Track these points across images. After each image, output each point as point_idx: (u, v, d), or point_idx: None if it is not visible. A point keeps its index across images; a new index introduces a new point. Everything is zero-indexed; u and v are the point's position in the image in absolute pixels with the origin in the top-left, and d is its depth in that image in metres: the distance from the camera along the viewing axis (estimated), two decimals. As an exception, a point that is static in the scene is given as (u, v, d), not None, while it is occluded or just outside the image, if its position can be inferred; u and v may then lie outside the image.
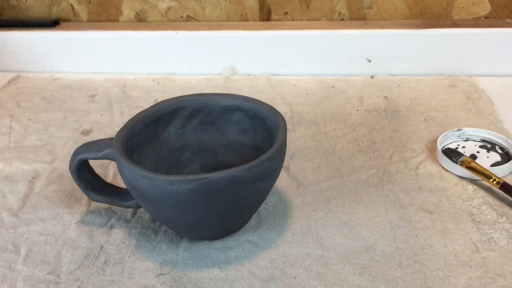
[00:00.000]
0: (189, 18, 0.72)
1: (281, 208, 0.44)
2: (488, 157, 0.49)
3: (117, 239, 0.42)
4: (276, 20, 0.70)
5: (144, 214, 0.44)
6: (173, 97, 0.45)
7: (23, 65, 0.73)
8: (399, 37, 0.65)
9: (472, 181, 0.46)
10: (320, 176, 0.48)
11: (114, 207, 0.45)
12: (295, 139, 0.54)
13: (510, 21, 0.66)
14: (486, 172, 0.45)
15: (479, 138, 0.52)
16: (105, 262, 0.40)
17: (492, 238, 0.40)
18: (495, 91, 0.61)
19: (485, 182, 0.45)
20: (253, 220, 0.43)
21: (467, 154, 0.50)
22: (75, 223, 0.44)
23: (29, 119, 0.60)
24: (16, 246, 0.41)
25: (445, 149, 0.51)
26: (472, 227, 0.41)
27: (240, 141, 0.45)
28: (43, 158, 0.53)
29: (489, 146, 0.51)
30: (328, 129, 0.56)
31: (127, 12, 0.72)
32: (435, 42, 0.64)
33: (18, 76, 0.72)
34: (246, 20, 0.71)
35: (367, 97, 0.62)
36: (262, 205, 0.44)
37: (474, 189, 0.45)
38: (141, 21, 0.73)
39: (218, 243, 0.41)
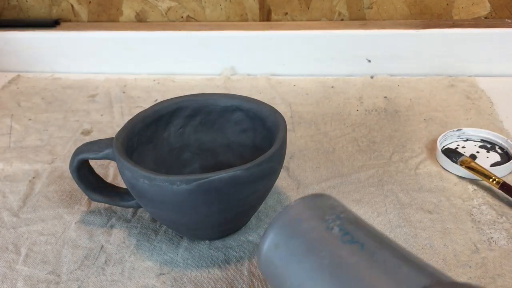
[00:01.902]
0: (189, 18, 0.72)
1: (281, 208, 0.44)
2: (488, 157, 0.49)
3: (117, 239, 0.42)
4: (276, 20, 0.70)
5: (144, 214, 0.44)
6: (173, 97, 0.46)
7: (23, 65, 0.73)
8: (399, 37, 0.65)
9: (472, 181, 0.46)
10: (320, 176, 0.48)
11: (114, 207, 0.45)
12: (295, 139, 0.54)
13: (510, 21, 0.66)
14: (486, 172, 0.45)
15: (479, 138, 0.52)
16: (105, 262, 0.40)
17: (491, 238, 0.40)
18: (495, 91, 0.61)
19: (485, 182, 0.45)
20: (253, 220, 0.43)
21: (467, 154, 0.50)
22: (75, 223, 0.44)
23: (30, 119, 0.60)
24: (16, 246, 0.41)
25: (445, 149, 0.51)
26: (472, 227, 0.41)
27: (240, 141, 0.45)
28: (44, 158, 0.53)
29: (489, 146, 0.51)
30: (328, 129, 0.56)
31: (127, 12, 0.72)
32: (435, 42, 0.64)
33: (18, 76, 0.72)
34: (246, 20, 0.71)
35: (367, 97, 0.62)
36: (262, 205, 0.44)
37: (474, 189, 0.45)
38: (141, 21, 0.73)
39: (218, 243, 0.41)
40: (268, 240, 0.29)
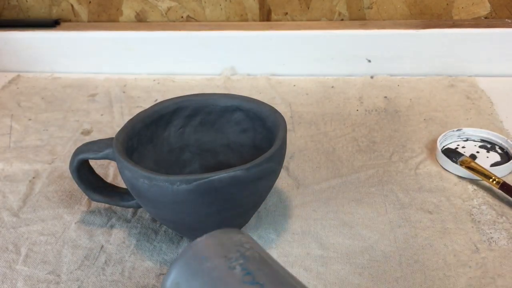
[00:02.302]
0: (189, 18, 0.72)
1: (281, 208, 0.44)
2: (488, 157, 0.49)
3: (117, 239, 0.42)
4: (276, 20, 0.70)
5: (144, 214, 0.44)
6: (173, 97, 0.46)
7: (23, 65, 0.73)
8: (399, 37, 0.65)
9: (472, 181, 0.46)
10: (320, 176, 0.48)
11: (114, 207, 0.45)
12: (295, 139, 0.54)
13: (510, 21, 0.66)
14: (486, 172, 0.45)
15: (479, 138, 0.52)
16: (105, 262, 0.40)
17: (491, 238, 0.40)
18: (495, 91, 0.61)
19: (485, 182, 0.46)
20: (253, 220, 0.43)
21: (467, 154, 0.50)
22: (75, 223, 0.44)
23: (30, 119, 0.60)
24: (16, 246, 0.41)
25: (445, 149, 0.51)
26: (472, 227, 0.41)
27: (240, 141, 0.45)
28: (44, 158, 0.53)
29: (489, 146, 0.51)
30: (328, 129, 0.56)
31: (127, 12, 0.72)
32: (435, 42, 0.64)
33: (18, 76, 0.72)
34: (246, 20, 0.71)
35: (367, 97, 0.62)
36: (262, 205, 0.44)
37: (474, 189, 0.45)
38: (141, 21, 0.73)
39: (218, 243, 0.41)
40: (170, 278, 0.28)
